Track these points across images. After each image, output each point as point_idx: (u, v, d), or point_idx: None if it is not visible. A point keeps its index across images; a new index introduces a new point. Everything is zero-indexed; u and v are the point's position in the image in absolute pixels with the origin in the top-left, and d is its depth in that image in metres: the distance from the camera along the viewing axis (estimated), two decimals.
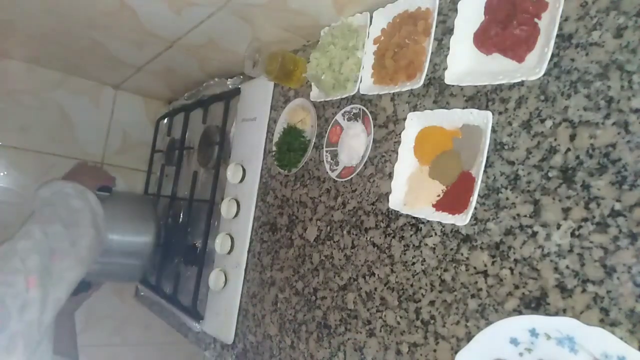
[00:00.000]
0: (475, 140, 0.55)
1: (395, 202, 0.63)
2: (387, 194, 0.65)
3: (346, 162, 0.75)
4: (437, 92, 0.62)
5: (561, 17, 0.49)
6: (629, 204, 0.41)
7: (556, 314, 0.45)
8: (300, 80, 0.88)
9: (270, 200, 0.92)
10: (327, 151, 0.79)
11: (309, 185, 0.83)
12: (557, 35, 0.49)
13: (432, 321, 0.56)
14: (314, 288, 0.76)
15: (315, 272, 0.77)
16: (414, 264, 0.60)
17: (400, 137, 0.64)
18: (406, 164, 0.64)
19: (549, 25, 0.50)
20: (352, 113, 0.76)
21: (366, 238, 0.68)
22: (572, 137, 0.47)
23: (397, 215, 0.64)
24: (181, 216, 1.31)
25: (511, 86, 0.53)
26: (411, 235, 0.61)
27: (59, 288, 0.74)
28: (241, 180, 1.00)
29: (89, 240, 0.86)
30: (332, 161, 0.78)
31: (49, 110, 1.51)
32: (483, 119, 0.54)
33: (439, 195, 0.59)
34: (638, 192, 0.41)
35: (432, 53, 0.63)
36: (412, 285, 0.60)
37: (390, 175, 0.65)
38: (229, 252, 0.99)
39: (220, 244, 0.99)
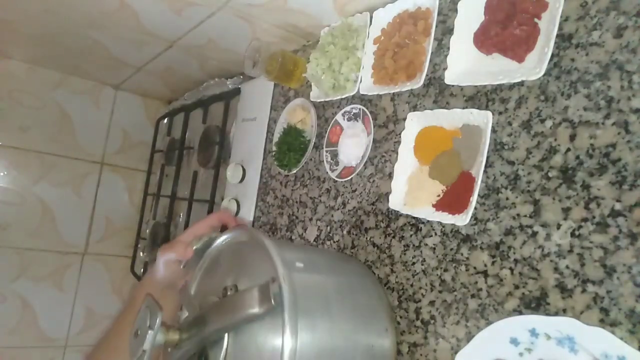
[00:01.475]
0: (475, 140, 0.55)
1: (395, 202, 0.63)
2: (387, 194, 0.65)
3: (346, 162, 0.75)
4: (437, 92, 0.62)
5: (561, 17, 0.49)
6: (629, 204, 0.41)
7: (556, 314, 0.45)
8: (300, 80, 0.88)
9: (270, 200, 0.92)
10: (327, 151, 0.79)
11: (309, 185, 0.83)
12: (557, 35, 0.49)
13: (432, 321, 0.56)
14: None
15: None
16: (414, 264, 0.60)
17: (400, 137, 0.64)
18: (406, 164, 0.64)
19: (549, 25, 0.50)
20: (352, 113, 0.76)
21: (366, 238, 0.68)
22: (572, 137, 0.47)
23: (397, 215, 0.64)
24: (181, 216, 1.31)
25: (511, 86, 0.53)
26: (411, 235, 0.61)
27: None
28: (241, 180, 1.00)
29: None
30: (332, 161, 0.78)
31: (49, 110, 1.51)
32: (483, 119, 0.54)
33: (439, 195, 0.59)
34: (638, 192, 0.41)
35: (432, 53, 0.63)
36: (412, 285, 0.60)
37: (390, 175, 0.65)
38: None
39: None
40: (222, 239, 0.64)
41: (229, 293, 0.53)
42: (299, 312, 0.49)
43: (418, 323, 0.58)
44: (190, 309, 0.58)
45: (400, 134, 0.64)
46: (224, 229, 0.80)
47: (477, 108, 0.56)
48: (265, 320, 0.49)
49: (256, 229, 0.59)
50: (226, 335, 0.51)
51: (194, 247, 0.67)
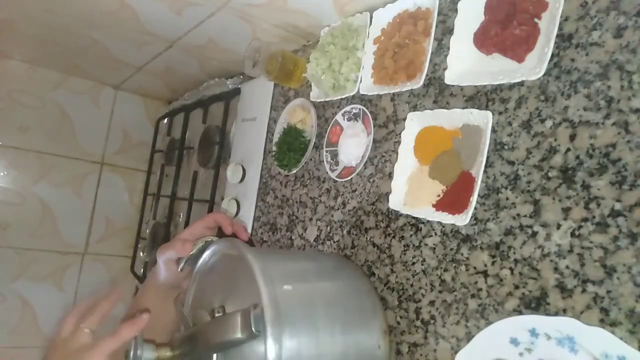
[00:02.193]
0: (475, 140, 0.55)
1: (395, 202, 0.63)
2: (387, 194, 0.65)
3: (346, 162, 0.75)
4: (437, 92, 0.62)
5: (561, 17, 0.49)
6: (629, 204, 0.41)
7: (556, 314, 0.45)
8: (300, 80, 0.88)
9: (270, 200, 0.92)
10: (327, 151, 0.79)
11: (309, 185, 0.83)
12: (557, 35, 0.49)
13: (432, 321, 0.56)
14: None
15: None
16: (414, 264, 0.60)
17: (400, 137, 0.64)
18: (406, 164, 0.64)
19: (549, 25, 0.50)
20: (352, 113, 0.76)
21: (366, 238, 0.68)
22: (572, 137, 0.47)
23: (397, 215, 0.64)
24: (181, 216, 1.31)
25: (511, 86, 0.53)
26: (411, 235, 0.61)
27: None
28: (241, 180, 1.00)
29: None
30: (332, 161, 0.78)
31: (49, 110, 1.51)
32: (483, 118, 0.54)
33: (439, 195, 0.59)
34: (638, 192, 0.41)
35: (432, 53, 0.63)
36: (412, 285, 0.60)
37: (390, 175, 0.65)
38: None
39: None
40: (213, 249, 0.64)
41: (216, 315, 0.54)
42: (284, 334, 0.49)
43: (418, 323, 0.58)
44: (183, 323, 0.59)
45: (400, 134, 0.64)
46: (220, 231, 0.80)
47: (477, 108, 0.56)
48: (253, 343, 0.49)
49: (244, 245, 0.58)
50: (215, 356, 0.52)
51: (190, 252, 0.67)
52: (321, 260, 0.69)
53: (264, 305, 0.49)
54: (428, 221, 0.59)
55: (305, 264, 0.65)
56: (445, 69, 0.60)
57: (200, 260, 0.64)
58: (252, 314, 0.48)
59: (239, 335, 0.48)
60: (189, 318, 0.58)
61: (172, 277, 0.70)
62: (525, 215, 0.49)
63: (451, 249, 0.56)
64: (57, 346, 0.57)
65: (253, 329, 0.48)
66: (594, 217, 0.44)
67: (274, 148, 0.91)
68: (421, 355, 0.57)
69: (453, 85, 0.59)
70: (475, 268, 0.53)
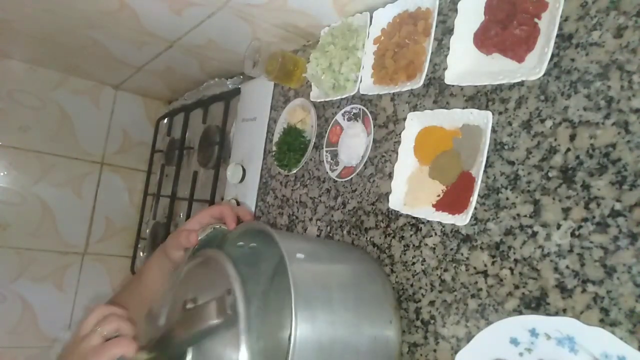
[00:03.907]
0: (475, 140, 0.55)
1: (395, 202, 0.63)
2: (387, 194, 0.65)
3: (346, 162, 0.75)
4: (437, 92, 0.62)
5: (561, 17, 0.49)
6: (629, 204, 0.41)
7: (556, 314, 0.45)
8: (300, 80, 0.88)
9: (270, 200, 0.92)
10: (327, 151, 0.79)
11: (309, 185, 0.83)
12: (557, 35, 0.49)
13: (432, 321, 0.56)
14: None
15: None
16: (414, 264, 0.60)
17: (400, 137, 0.64)
18: (406, 164, 0.64)
19: (549, 25, 0.50)
20: (352, 113, 0.76)
21: (366, 238, 0.68)
22: (572, 137, 0.47)
23: (397, 215, 0.64)
24: (181, 216, 1.31)
25: (511, 86, 0.53)
26: (411, 235, 0.61)
27: None
28: (241, 180, 1.00)
29: None
30: (332, 161, 0.78)
31: (49, 110, 1.51)
32: (483, 119, 0.54)
33: (439, 195, 0.59)
34: (638, 192, 0.41)
35: (432, 53, 0.63)
36: (412, 285, 0.60)
37: (390, 175, 0.65)
38: None
39: None
40: (243, 227, 0.65)
41: (187, 306, 0.55)
42: (300, 302, 0.49)
43: (418, 323, 0.58)
44: (155, 332, 0.60)
45: (400, 134, 0.64)
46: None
47: (477, 108, 0.56)
48: (226, 334, 0.52)
49: (262, 222, 0.61)
50: (190, 349, 0.53)
51: (199, 238, 0.68)
52: (329, 244, 0.71)
53: (236, 289, 0.53)
54: (428, 221, 0.59)
55: (315, 244, 0.67)
56: (445, 69, 0.60)
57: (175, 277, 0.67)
58: (227, 298, 0.52)
59: (214, 320, 0.51)
60: (160, 326, 0.60)
61: (179, 260, 0.71)
62: (525, 215, 0.49)
63: (451, 249, 0.56)
64: (73, 343, 0.57)
65: (229, 311, 0.51)
66: (594, 217, 0.44)
67: (274, 148, 0.91)
68: (421, 355, 0.57)
69: (453, 85, 0.59)
70: (475, 268, 0.53)
